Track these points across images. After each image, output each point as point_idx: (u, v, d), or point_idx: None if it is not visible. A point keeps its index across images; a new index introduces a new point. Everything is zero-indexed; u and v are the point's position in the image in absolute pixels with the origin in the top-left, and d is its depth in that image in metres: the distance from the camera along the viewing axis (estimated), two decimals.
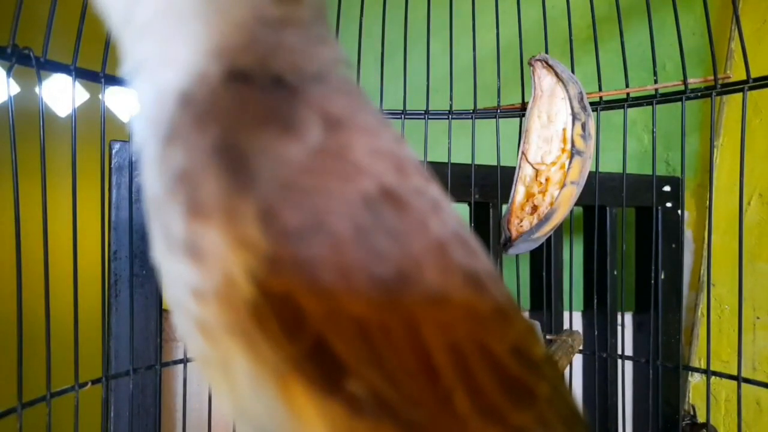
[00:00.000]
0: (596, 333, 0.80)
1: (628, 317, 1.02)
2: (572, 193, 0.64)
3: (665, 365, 0.73)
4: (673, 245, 0.96)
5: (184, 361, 0.65)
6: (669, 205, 0.97)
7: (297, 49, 0.22)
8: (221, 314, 0.20)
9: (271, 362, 0.19)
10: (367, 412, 0.19)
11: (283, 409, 0.20)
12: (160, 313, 0.68)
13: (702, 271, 1.00)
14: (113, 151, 0.66)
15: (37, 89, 0.54)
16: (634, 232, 0.99)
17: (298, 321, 0.18)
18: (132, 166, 0.65)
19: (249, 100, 0.21)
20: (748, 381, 0.62)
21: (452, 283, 0.20)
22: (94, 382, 0.59)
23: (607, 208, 0.93)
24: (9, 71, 0.51)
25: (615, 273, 0.94)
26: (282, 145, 0.20)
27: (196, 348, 0.22)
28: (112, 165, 0.65)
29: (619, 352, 0.76)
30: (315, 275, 0.18)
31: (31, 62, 0.51)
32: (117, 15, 0.24)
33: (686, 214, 1.09)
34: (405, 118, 0.73)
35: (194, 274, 0.20)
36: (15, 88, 0.53)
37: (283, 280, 0.18)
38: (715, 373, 0.65)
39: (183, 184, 0.20)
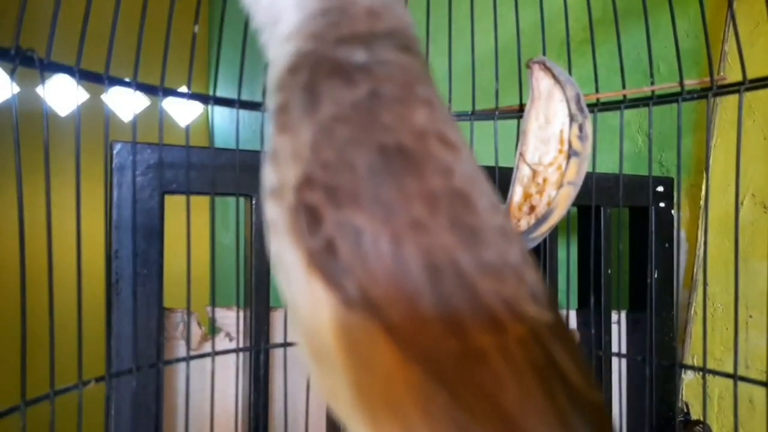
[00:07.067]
0: (593, 331, 0.81)
1: (623, 315, 1.03)
2: (569, 193, 0.65)
3: (661, 363, 0.74)
4: (666, 245, 0.97)
5: (187, 358, 0.65)
6: (662, 205, 0.98)
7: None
8: (276, 211, 0.27)
9: (301, 251, 0.25)
10: (357, 308, 0.24)
11: (308, 292, 0.26)
12: (161, 311, 0.68)
13: (695, 270, 1.02)
14: (114, 152, 0.66)
15: (37, 90, 0.54)
16: (627, 231, 1.00)
17: (318, 223, 0.25)
18: (134, 166, 0.65)
19: (323, 58, 0.28)
20: (744, 379, 0.63)
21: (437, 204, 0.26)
22: (98, 380, 0.59)
23: (602, 208, 0.94)
24: (12, 73, 0.51)
25: (609, 272, 0.95)
26: (340, 90, 0.27)
27: (273, 248, 0.28)
28: (114, 165, 0.66)
29: (615, 350, 0.76)
30: (333, 194, 0.25)
31: (34, 64, 0.52)
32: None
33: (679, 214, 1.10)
34: None
35: (271, 177, 0.28)
36: (16, 88, 0.53)
37: (314, 194, 0.25)
38: (711, 371, 0.66)
39: (279, 112, 0.28)
